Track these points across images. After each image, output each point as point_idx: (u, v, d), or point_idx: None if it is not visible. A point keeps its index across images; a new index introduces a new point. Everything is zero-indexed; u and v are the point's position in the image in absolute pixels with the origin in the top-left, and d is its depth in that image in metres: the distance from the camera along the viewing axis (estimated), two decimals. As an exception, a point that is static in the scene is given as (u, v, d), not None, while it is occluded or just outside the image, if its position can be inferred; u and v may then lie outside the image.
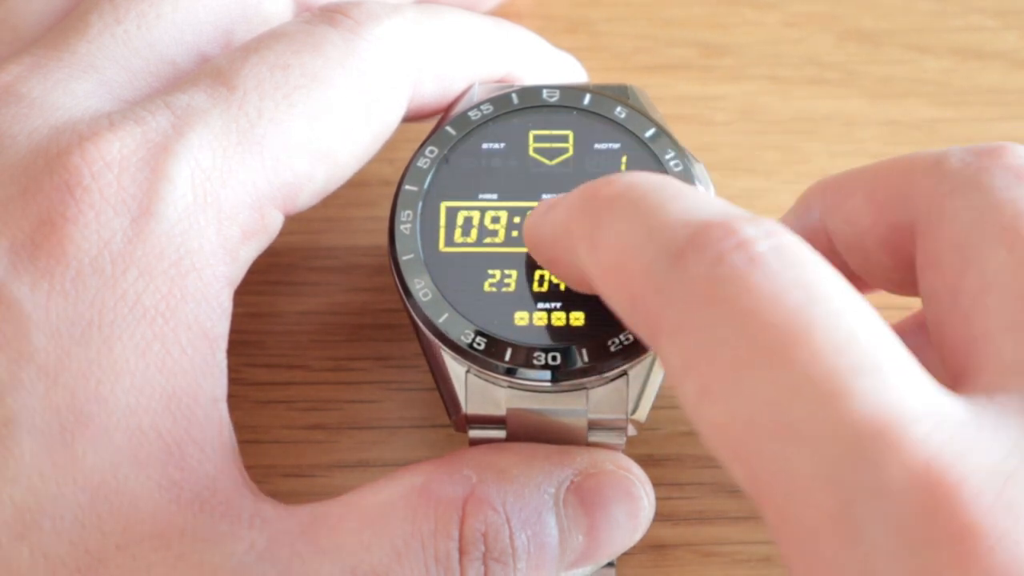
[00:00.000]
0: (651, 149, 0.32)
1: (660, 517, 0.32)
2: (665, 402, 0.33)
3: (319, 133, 0.30)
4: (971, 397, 0.23)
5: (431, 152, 0.33)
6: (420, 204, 0.32)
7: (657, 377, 0.31)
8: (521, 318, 0.31)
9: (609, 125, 0.33)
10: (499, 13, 0.39)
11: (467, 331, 0.30)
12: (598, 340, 0.30)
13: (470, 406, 0.30)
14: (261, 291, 0.37)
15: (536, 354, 0.30)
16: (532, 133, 0.33)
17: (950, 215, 0.27)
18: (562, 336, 0.30)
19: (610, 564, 0.31)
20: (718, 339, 0.23)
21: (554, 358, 0.30)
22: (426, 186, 0.32)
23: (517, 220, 0.32)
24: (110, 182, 0.29)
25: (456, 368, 0.31)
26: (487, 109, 0.33)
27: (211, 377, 0.29)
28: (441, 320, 0.30)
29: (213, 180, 0.29)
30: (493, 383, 0.30)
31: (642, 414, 0.31)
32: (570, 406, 0.30)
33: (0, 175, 0.29)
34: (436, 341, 0.30)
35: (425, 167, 0.32)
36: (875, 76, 0.41)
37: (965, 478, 0.21)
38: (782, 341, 0.22)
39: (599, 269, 0.26)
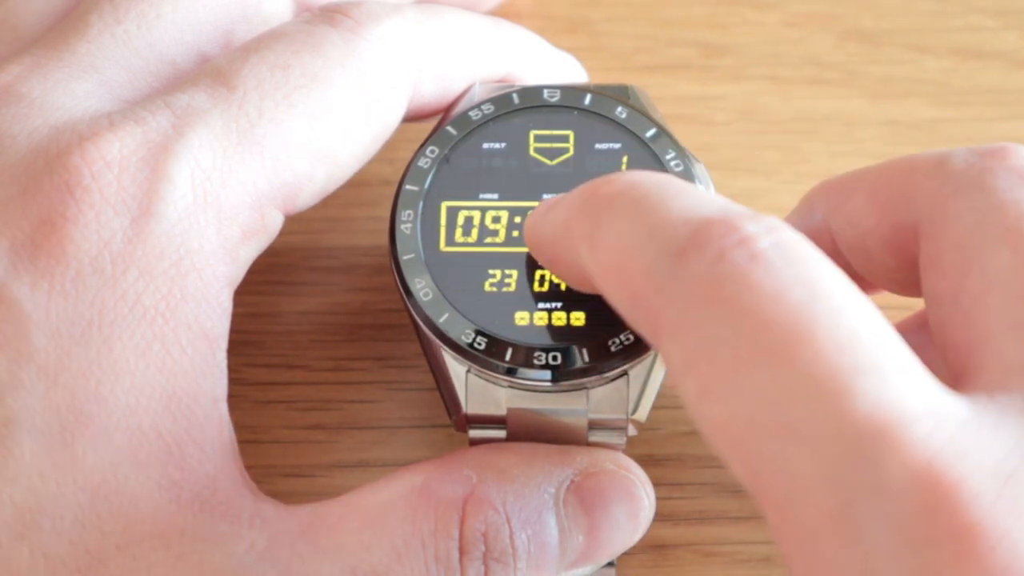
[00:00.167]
0: (652, 149, 0.32)
1: (660, 517, 0.32)
2: (665, 402, 0.33)
3: (319, 133, 0.30)
4: (972, 397, 0.23)
5: (432, 152, 0.33)
6: (421, 204, 0.32)
7: (657, 377, 0.31)
8: (522, 318, 0.31)
9: (610, 125, 0.33)
10: (499, 13, 0.39)
11: (467, 331, 0.30)
12: (598, 340, 0.30)
13: (470, 406, 0.30)
14: (261, 291, 0.37)
15: (536, 354, 0.30)
16: (533, 133, 0.33)
17: (953, 216, 0.27)
18: (562, 336, 0.30)
19: (610, 564, 0.31)
20: (719, 338, 0.23)
21: (554, 358, 0.30)
22: (427, 186, 0.32)
23: (518, 220, 0.32)
24: (110, 182, 0.29)
25: (456, 368, 0.31)
26: (488, 109, 0.33)
27: (211, 377, 0.29)
28: (442, 320, 0.30)
29: (213, 180, 0.29)
30: (493, 383, 0.30)
31: (642, 414, 0.31)
32: (570, 406, 0.30)
33: (0, 175, 0.29)
34: (436, 341, 0.30)
35: (426, 167, 0.32)
36: (875, 76, 0.41)
37: (966, 478, 0.21)
38: (783, 340, 0.22)
39: (600, 268, 0.26)
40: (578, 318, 0.30)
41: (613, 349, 0.30)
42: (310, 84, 0.30)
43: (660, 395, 0.31)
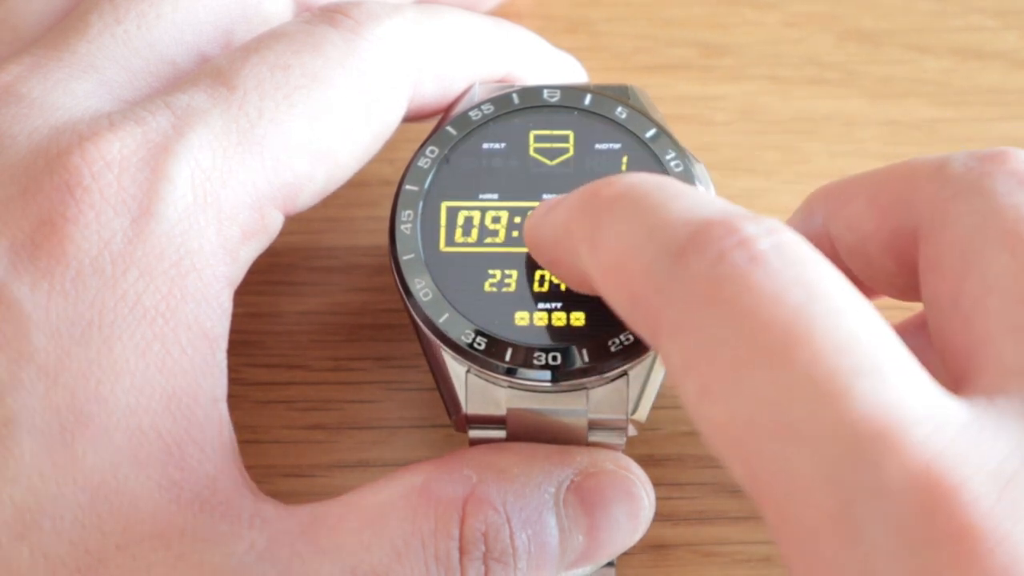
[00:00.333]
0: (652, 149, 0.32)
1: (660, 517, 0.32)
2: (665, 402, 0.33)
3: (319, 133, 0.30)
4: (972, 400, 0.23)
5: (432, 152, 0.33)
6: (421, 204, 0.32)
7: (657, 377, 0.31)
8: (521, 318, 0.31)
9: (610, 125, 0.33)
10: (499, 13, 0.39)
11: (467, 331, 0.30)
12: (598, 340, 0.30)
13: (470, 406, 0.30)
14: (261, 291, 0.37)
15: (536, 354, 0.30)
16: (533, 133, 0.33)
17: (952, 219, 0.27)
18: (562, 336, 0.30)
19: (610, 564, 0.31)
20: (718, 339, 0.23)
21: (554, 358, 0.30)
22: (427, 186, 0.32)
23: (518, 220, 0.32)
24: (110, 182, 0.29)
25: (456, 368, 0.31)
26: (488, 109, 0.33)
27: (211, 377, 0.29)
28: (441, 320, 0.30)
29: (213, 180, 0.29)
30: (493, 383, 0.30)
31: (642, 414, 0.31)
32: (570, 406, 0.30)
33: (0, 175, 0.29)
34: (436, 341, 0.30)
35: (426, 167, 0.32)
36: (875, 76, 0.41)
37: (965, 480, 0.21)
38: (782, 341, 0.22)
39: (600, 269, 0.26)
40: (578, 318, 0.30)
41: (613, 349, 0.30)
42: (310, 84, 0.30)
43: (660, 395, 0.31)
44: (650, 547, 0.34)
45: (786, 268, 0.23)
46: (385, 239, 0.32)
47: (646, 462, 0.31)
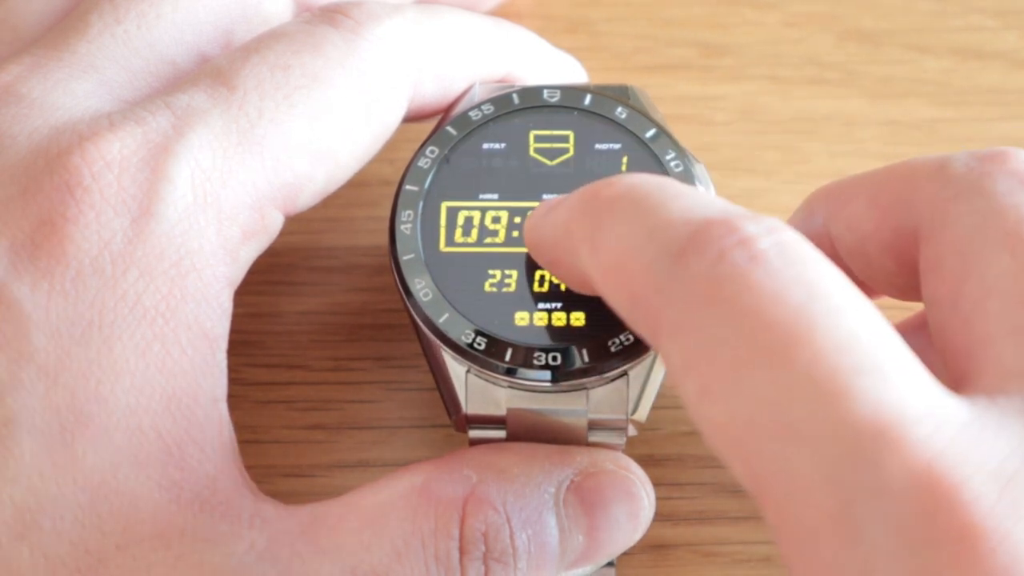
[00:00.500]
0: (652, 149, 0.32)
1: (660, 517, 0.32)
2: (665, 402, 0.33)
3: (319, 133, 0.30)
4: (972, 399, 0.23)
5: (432, 152, 0.33)
6: (421, 204, 0.32)
7: (657, 377, 0.31)
8: (521, 318, 0.31)
9: (610, 125, 0.33)
10: (499, 13, 0.39)
11: (467, 331, 0.30)
12: (598, 340, 0.30)
13: (470, 406, 0.30)
14: (261, 291, 0.37)
15: (536, 354, 0.30)
16: (533, 133, 0.33)
17: (953, 220, 0.27)
18: (562, 336, 0.30)
19: (610, 564, 0.31)
20: (718, 338, 0.23)
21: (554, 358, 0.30)
22: (427, 186, 0.32)
23: (518, 220, 0.32)
24: (110, 182, 0.29)
25: (456, 368, 0.31)
26: (488, 109, 0.33)
27: (211, 377, 0.29)
28: (441, 320, 0.30)
29: (213, 180, 0.29)
30: (493, 383, 0.30)
31: (642, 414, 0.31)
32: (570, 406, 0.30)
33: (0, 175, 0.29)
34: (436, 341, 0.30)
35: (426, 167, 0.32)
36: (875, 76, 0.41)
37: (966, 480, 0.21)
38: (783, 340, 0.22)
39: (600, 269, 0.26)
40: (578, 318, 0.30)
41: (613, 349, 0.30)
42: (310, 84, 0.30)
43: (660, 395, 0.31)
44: (650, 547, 0.33)
45: (786, 267, 0.23)
46: (385, 239, 0.32)
47: (646, 462, 0.31)
